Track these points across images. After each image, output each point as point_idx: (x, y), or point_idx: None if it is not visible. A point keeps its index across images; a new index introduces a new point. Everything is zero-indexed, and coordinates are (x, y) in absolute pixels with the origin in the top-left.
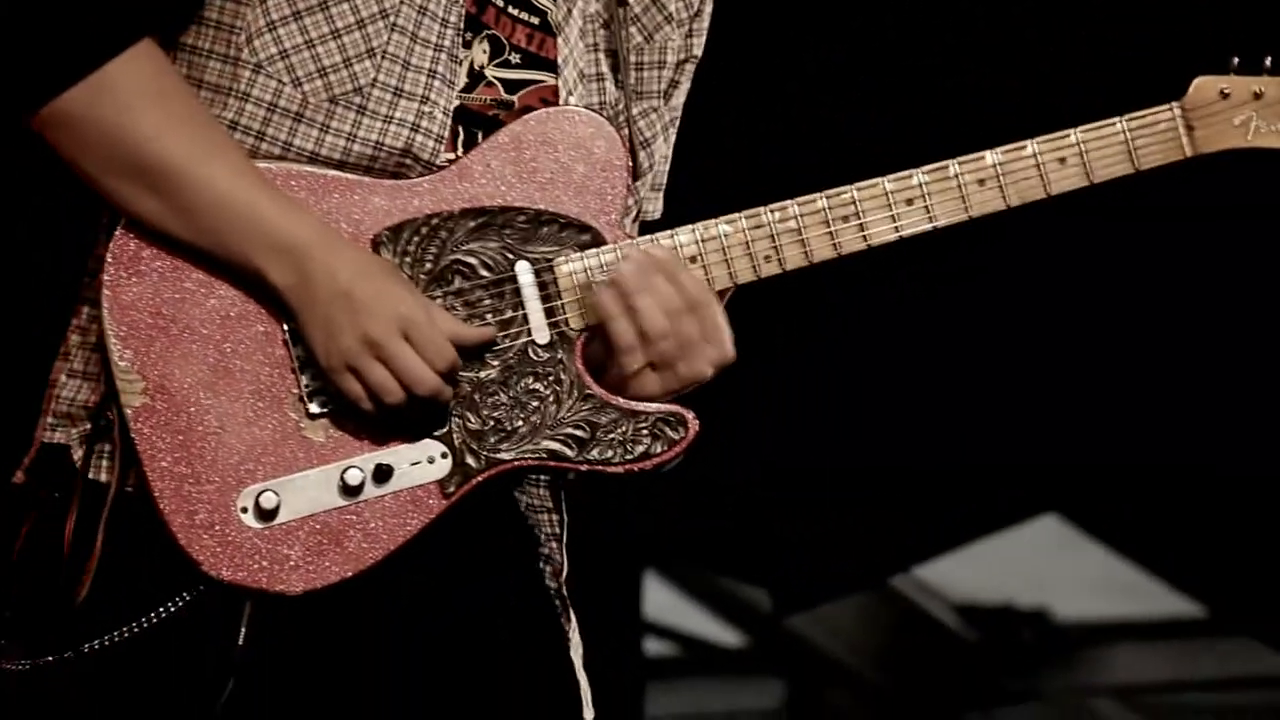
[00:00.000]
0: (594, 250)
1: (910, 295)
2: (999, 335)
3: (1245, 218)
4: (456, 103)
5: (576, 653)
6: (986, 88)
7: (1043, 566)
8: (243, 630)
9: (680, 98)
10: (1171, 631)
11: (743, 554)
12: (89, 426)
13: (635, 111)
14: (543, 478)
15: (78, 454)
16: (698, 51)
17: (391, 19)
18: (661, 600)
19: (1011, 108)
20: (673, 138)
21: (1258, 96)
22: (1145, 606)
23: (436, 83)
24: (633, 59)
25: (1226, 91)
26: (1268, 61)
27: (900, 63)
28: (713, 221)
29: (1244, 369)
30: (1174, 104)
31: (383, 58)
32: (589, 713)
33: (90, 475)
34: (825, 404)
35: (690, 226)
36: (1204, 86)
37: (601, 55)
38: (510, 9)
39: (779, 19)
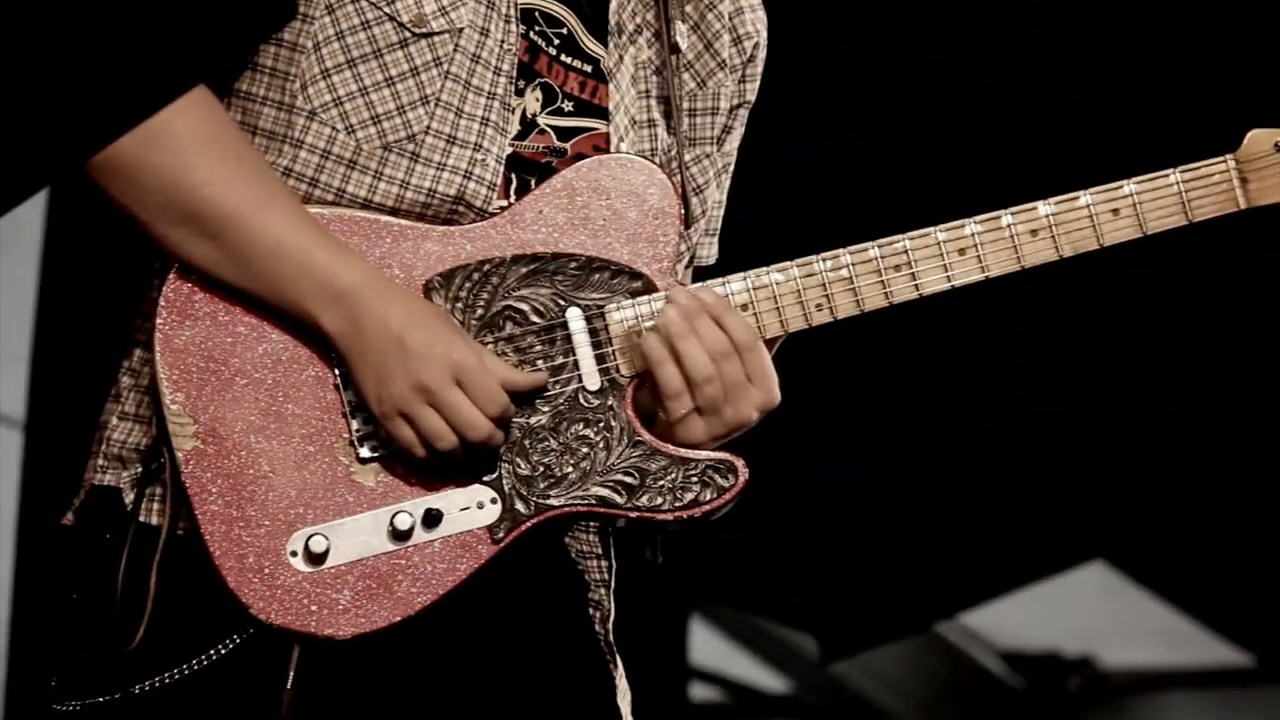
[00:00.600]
0: (645, 297)
1: (959, 338)
2: (1050, 380)
3: None
4: (510, 150)
5: (624, 700)
6: (1036, 125)
7: (1090, 614)
8: (291, 674)
9: (734, 143)
10: (1219, 680)
11: (789, 600)
12: (140, 469)
13: (688, 158)
14: (592, 524)
15: (129, 496)
16: (751, 97)
17: (445, 66)
18: (708, 646)
19: (1062, 147)
20: (726, 183)
21: None
22: (1193, 655)
23: (490, 130)
24: (685, 105)
25: None
26: None
27: (958, 102)
28: (764, 269)
29: None
30: (1228, 156)
31: (436, 105)
32: None
33: (141, 518)
34: (872, 449)
35: (742, 274)
36: (1258, 139)
37: (654, 101)
38: (563, 57)
39: (828, 67)
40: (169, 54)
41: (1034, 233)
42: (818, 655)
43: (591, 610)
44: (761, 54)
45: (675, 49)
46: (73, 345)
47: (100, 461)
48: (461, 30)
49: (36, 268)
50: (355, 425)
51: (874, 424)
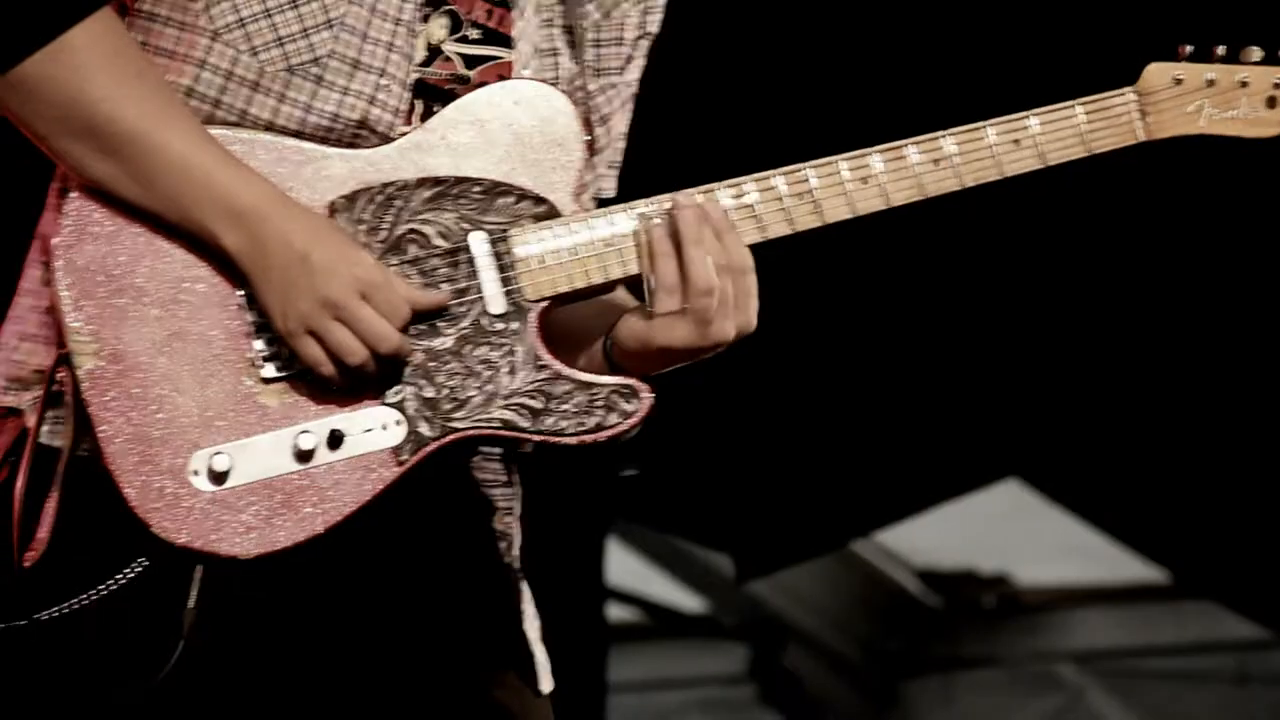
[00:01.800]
0: (549, 223)
1: (870, 263)
2: (963, 295)
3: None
4: (415, 76)
5: (531, 625)
6: (946, 69)
7: (1005, 532)
8: (193, 594)
9: (635, 74)
10: (1133, 596)
11: (705, 519)
12: (41, 390)
13: (593, 87)
14: (497, 450)
15: (30, 418)
16: (654, 28)
17: None
18: (625, 566)
19: (966, 86)
20: (629, 115)
21: (1210, 84)
22: (1106, 572)
23: (394, 56)
24: (590, 35)
25: (1180, 78)
26: (1220, 50)
27: (855, 47)
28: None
29: (1204, 330)
30: (1128, 89)
31: (340, 29)
32: (546, 684)
33: (43, 441)
34: (787, 368)
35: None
36: (1157, 73)
37: (557, 31)
38: None
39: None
40: None
41: (936, 162)
42: (734, 574)
43: (498, 539)
44: None
45: None
46: None
47: (1, 383)
48: None
49: None
50: (259, 345)
51: (789, 342)
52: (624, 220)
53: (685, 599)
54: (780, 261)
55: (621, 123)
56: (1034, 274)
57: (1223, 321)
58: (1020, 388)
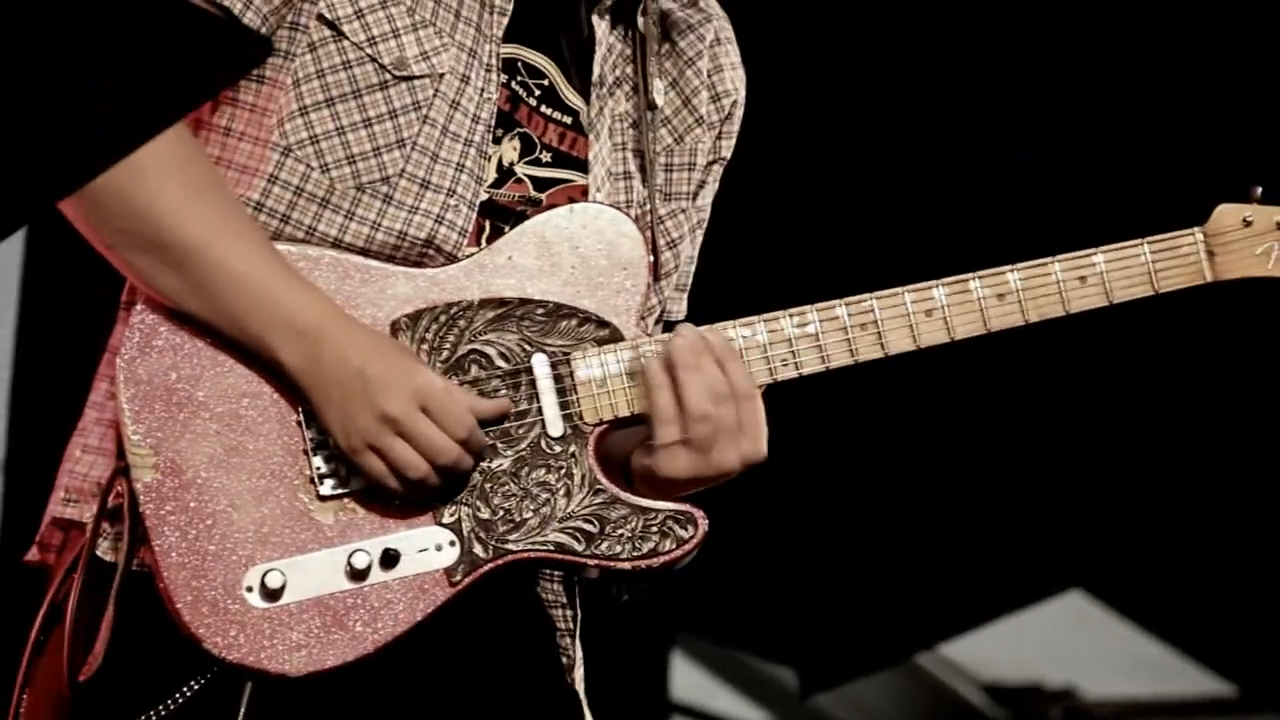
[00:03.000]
0: (612, 346)
1: (932, 369)
2: (1024, 408)
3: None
4: (484, 197)
5: None
6: (1009, 195)
7: (1070, 645)
8: (241, 711)
9: (707, 199)
10: (1201, 710)
11: (769, 633)
12: (100, 502)
13: (663, 212)
14: (556, 572)
15: (89, 530)
16: (727, 154)
17: (424, 111)
18: (689, 680)
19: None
20: (699, 239)
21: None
22: (1174, 685)
23: (464, 177)
24: (662, 160)
25: (1250, 219)
26: None
27: (925, 171)
28: (730, 323)
29: (1273, 442)
30: (1196, 229)
31: (412, 149)
32: None
33: (100, 552)
34: (853, 481)
35: (709, 326)
36: (1226, 214)
37: (629, 154)
38: (543, 108)
39: (806, 125)
40: (148, 94)
41: (1001, 297)
42: (798, 688)
43: (559, 660)
44: (739, 112)
45: (652, 105)
46: (51, 384)
47: (62, 494)
48: (443, 76)
49: (15, 309)
50: (316, 462)
51: (853, 455)
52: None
53: (750, 713)
54: (845, 374)
55: (691, 247)
56: (1100, 383)
57: None
58: (1084, 498)
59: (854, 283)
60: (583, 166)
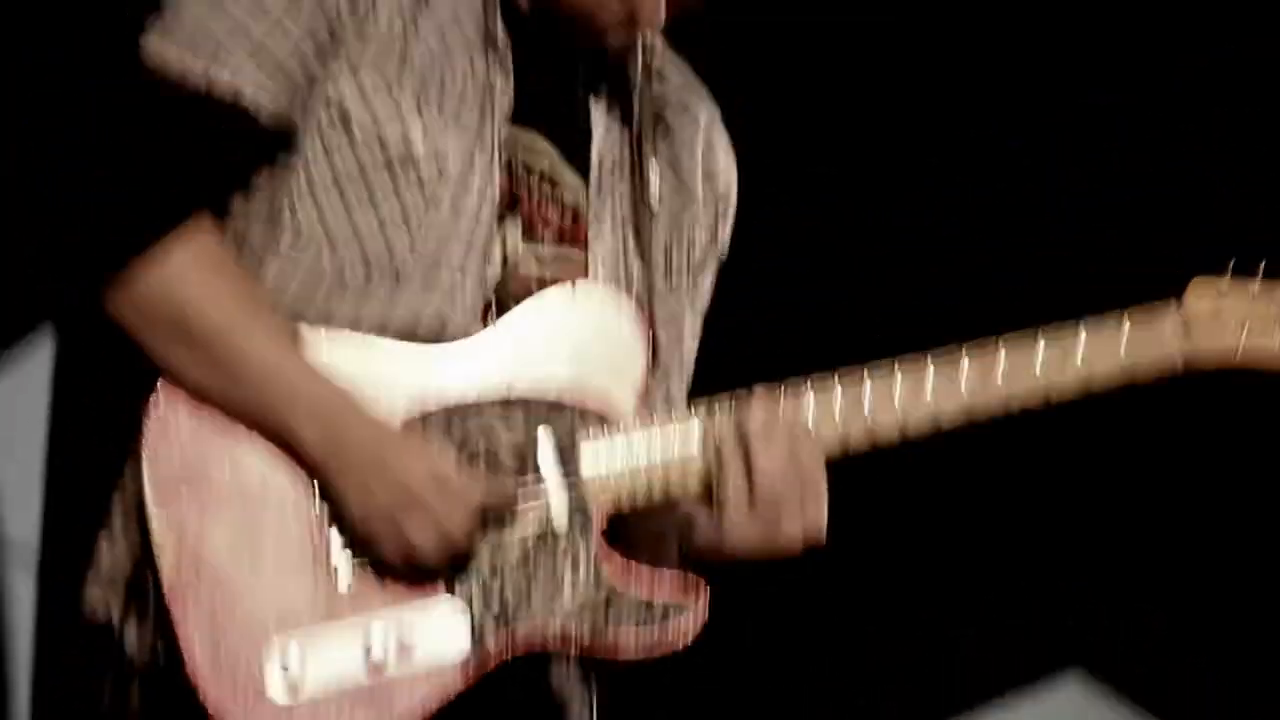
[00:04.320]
0: (616, 433)
1: (931, 459)
2: (1017, 486)
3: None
4: (492, 276)
5: None
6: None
7: None
8: None
9: (707, 283)
10: None
11: (760, 713)
12: (125, 589)
13: (663, 295)
14: (567, 658)
15: (115, 620)
16: (725, 237)
17: (431, 189)
18: None
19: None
20: (698, 327)
21: (1253, 300)
22: None
23: (472, 256)
24: (660, 247)
25: (1224, 292)
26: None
27: (912, 256)
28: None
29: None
30: (1172, 301)
31: (420, 229)
32: None
33: (126, 643)
34: (843, 566)
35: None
36: (1201, 286)
37: (628, 236)
38: (543, 188)
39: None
40: (171, 192)
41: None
42: None
43: None
44: (733, 196)
45: (648, 184)
46: (82, 477)
47: (92, 589)
48: (448, 158)
49: (47, 403)
50: (334, 544)
51: (845, 539)
52: (689, 433)
53: None
54: (837, 468)
55: (691, 330)
56: (1102, 464)
57: None
58: (1083, 581)
59: (845, 358)
60: (583, 247)
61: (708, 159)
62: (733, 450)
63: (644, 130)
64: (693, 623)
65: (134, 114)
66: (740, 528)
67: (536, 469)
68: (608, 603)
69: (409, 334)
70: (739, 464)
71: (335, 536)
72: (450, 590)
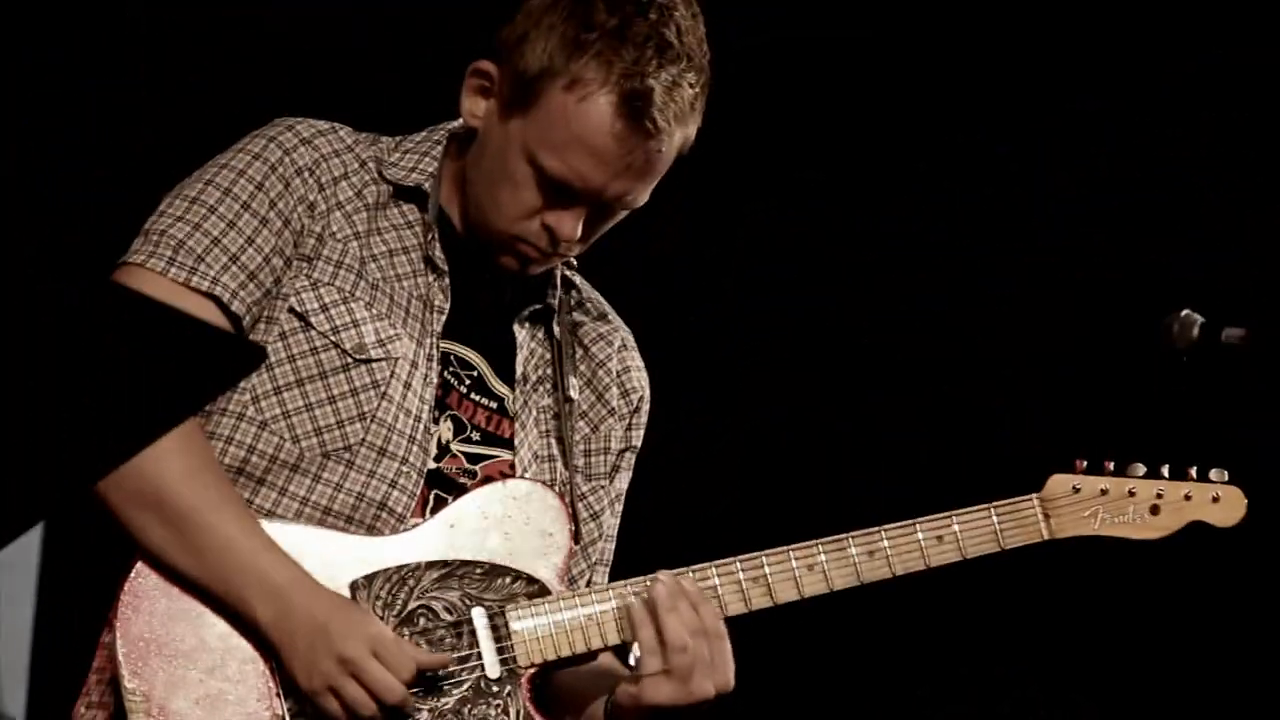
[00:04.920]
0: (541, 600)
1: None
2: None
3: None
4: (430, 467)
5: None
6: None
7: None
8: None
9: (622, 482)
10: None
11: None
12: None
13: (585, 489)
14: None
15: None
16: (637, 443)
17: (382, 389)
18: None
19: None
20: (617, 516)
21: (1104, 493)
22: None
23: (415, 448)
24: (581, 445)
25: (1078, 487)
26: (1110, 465)
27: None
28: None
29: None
30: (1034, 495)
31: (371, 421)
32: None
33: None
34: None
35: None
36: (1058, 482)
37: (552, 440)
38: (473, 395)
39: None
40: (164, 401)
41: (871, 554)
42: None
43: None
44: (646, 405)
45: (569, 399)
46: (64, 656)
47: None
48: (396, 360)
49: (34, 594)
50: (286, 705)
51: (831, 681)
52: (605, 600)
53: None
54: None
55: (609, 521)
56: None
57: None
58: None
59: (750, 542)
60: (508, 445)
61: (623, 378)
62: (644, 615)
63: (563, 352)
64: None
65: (129, 335)
66: (656, 685)
67: (470, 627)
68: None
69: (350, 514)
70: (650, 628)
71: (289, 701)
72: None
